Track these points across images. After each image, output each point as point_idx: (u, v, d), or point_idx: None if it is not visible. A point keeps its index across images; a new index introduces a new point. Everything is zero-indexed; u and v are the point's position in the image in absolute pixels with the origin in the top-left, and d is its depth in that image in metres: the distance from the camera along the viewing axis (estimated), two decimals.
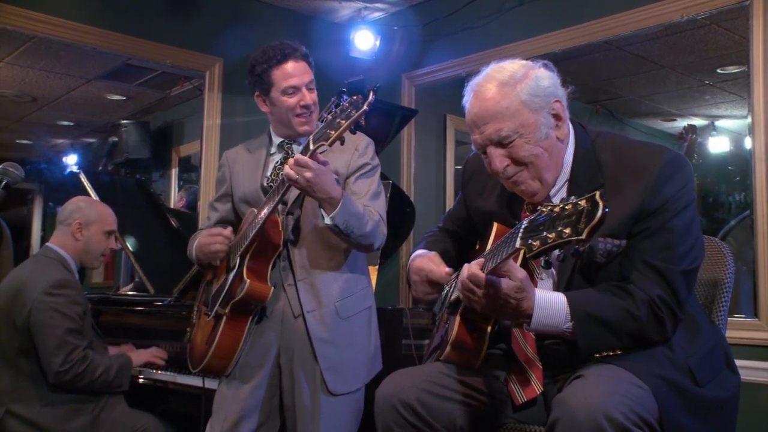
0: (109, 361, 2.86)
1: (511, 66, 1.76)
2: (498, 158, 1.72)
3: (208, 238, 2.37)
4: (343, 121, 2.00)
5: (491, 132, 1.71)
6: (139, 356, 3.10)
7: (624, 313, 1.60)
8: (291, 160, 2.10)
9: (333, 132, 2.01)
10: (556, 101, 1.74)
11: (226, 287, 2.30)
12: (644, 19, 3.39)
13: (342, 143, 2.06)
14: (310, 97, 2.36)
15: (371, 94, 2.00)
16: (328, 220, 2.16)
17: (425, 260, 1.95)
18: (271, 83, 2.36)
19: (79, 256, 2.96)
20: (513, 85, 1.71)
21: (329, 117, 2.06)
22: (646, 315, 1.60)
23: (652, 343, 1.63)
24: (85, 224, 2.96)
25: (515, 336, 1.80)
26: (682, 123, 4.88)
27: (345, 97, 2.06)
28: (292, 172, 2.09)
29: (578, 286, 1.70)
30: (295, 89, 2.34)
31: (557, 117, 1.74)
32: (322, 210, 2.17)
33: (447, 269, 1.90)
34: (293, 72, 2.33)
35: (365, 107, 1.98)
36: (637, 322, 1.60)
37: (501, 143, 1.71)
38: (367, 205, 2.32)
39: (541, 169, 1.73)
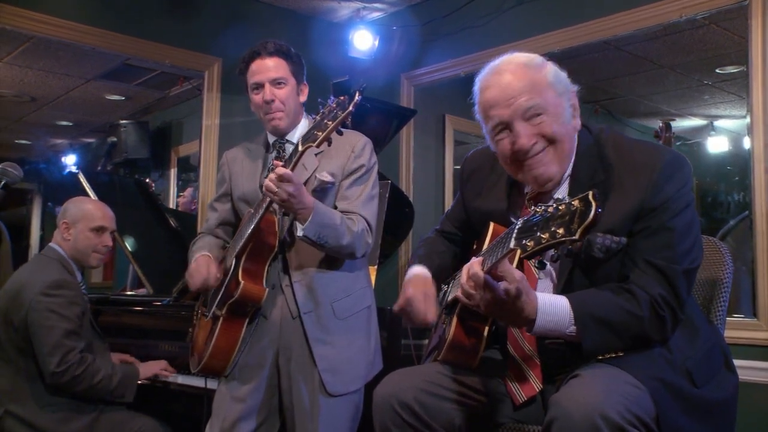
0: (112, 368, 2.82)
1: (526, 54, 1.77)
2: (526, 134, 1.68)
3: (193, 272, 2.35)
4: (330, 122, 2.00)
5: (523, 102, 1.68)
6: (147, 369, 3.05)
7: (627, 315, 1.59)
8: (272, 175, 2.10)
9: (320, 133, 2.02)
10: (574, 93, 1.76)
11: (223, 288, 2.30)
12: (643, 19, 3.39)
13: (329, 144, 2.07)
14: (272, 92, 2.36)
15: (357, 94, 2.01)
16: (300, 232, 2.16)
17: (418, 295, 1.87)
18: (246, 82, 2.42)
19: (74, 256, 2.95)
20: (537, 68, 1.73)
21: (317, 118, 2.07)
22: (649, 315, 1.59)
23: (652, 343, 1.62)
24: (71, 223, 2.95)
25: (512, 334, 1.79)
26: (681, 123, 4.89)
27: (332, 98, 2.07)
28: (273, 186, 2.09)
29: (578, 283, 1.69)
30: (259, 86, 2.38)
31: (574, 108, 1.75)
32: (297, 222, 2.18)
33: (431, 317, 1.85)
34: (257, 69, 2.38)
35: (351, 108, 1.99)
36: (640, 322, 1.59)
37: (531, 117, 1.68)
38: (355, 211, 2.32)
39: (563, 152, 1.72)
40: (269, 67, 2.37)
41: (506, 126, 1.72)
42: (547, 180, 1.74)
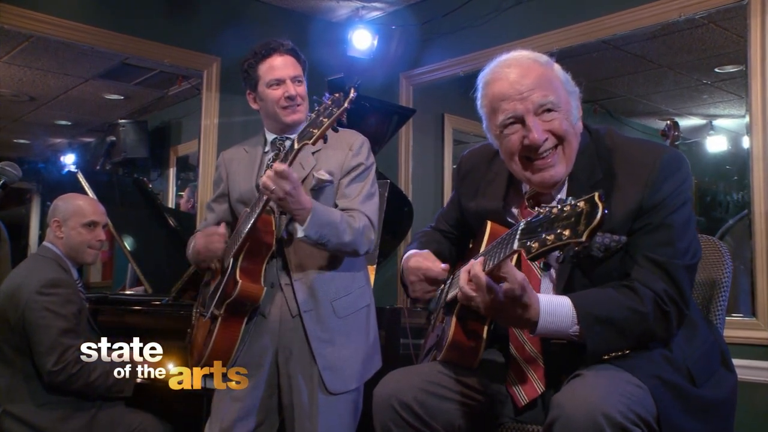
0: (109, 365, 2.82)
1: (531, 52, 1.75)
2: (539, 129, 1.67)
3: (205, 238, 2.36)
4: (326, 119, 2.01)
5: (539, 97, 1.66)
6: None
7: (631, 313, 1.57)
8: (269, 171, 2.10)
9: (316, 131, 2.02)
10: (578, 95, 1.75)
11: (221, 288, 2.30)
12: (642, 19, 3.40)
13: (325, 141, 2.08)
14: (295, 89, 2.38)
15: (352, 91, 2.01)
16: (300, 233, 2.16)
17: (420, 259, 1.92)
18: (257, 78, 2.41)
19: (69, 253, 2.94)
20: (546, 64, 1.72)
21: (313, 116, 2.08)
22: (653, 311, 1.58)
23: (656, 339, 1.61)
24: (63, 221, 2.94)
25: (514, 335, 1.78)
26: (680, 122, 4.88)
27: (327, 95, 2.07)
28: (270, 183, 2.09)
29: (578, 283, 1.67)
30: (279, 81, 2.38)
31: (578, 110, 1.74)
32: (296, 223, 2.17)
33: (443, 265, 1.87)
34: (277, 65, 2.38)
35: (346, 104, 1.99)
36: (645, 319, 1.58)
37: (544, 112, 1.67)
38: (356, 208, 2.32)
39: (570, 152, 1.71)
40: (288, 64, 2.39)
41: (518, 120, 1.70)
42: (555, 183, 1.73)
